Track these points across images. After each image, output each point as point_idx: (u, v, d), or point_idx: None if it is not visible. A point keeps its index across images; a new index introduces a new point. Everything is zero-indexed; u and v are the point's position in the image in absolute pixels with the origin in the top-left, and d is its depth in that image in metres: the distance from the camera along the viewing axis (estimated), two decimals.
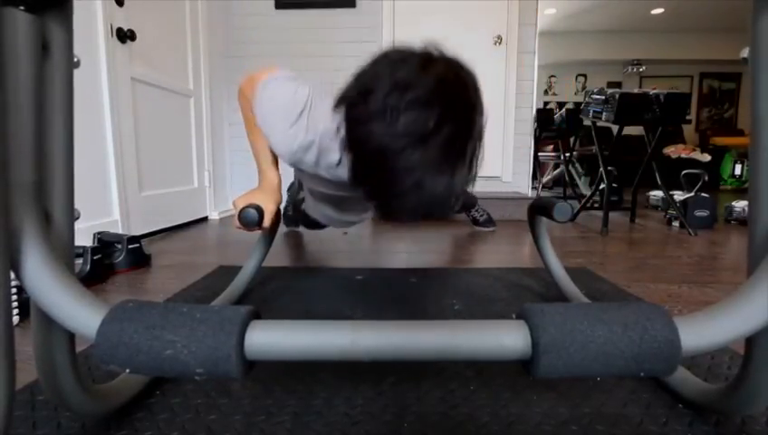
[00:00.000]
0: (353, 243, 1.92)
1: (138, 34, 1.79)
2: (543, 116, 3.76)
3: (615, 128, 2.36)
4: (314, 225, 1.69)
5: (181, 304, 0.42)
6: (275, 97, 0.90)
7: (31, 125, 0.42)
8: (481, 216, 2.19)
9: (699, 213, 2.25)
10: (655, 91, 2.12)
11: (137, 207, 1.83)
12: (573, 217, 2.54)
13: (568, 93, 6.76)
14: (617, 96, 2.13)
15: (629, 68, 6.73)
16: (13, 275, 0.41)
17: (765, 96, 0.44)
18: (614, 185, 2.55)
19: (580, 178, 3.98)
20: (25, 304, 0.85)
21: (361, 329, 0.42)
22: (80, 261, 1.18)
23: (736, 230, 2.26)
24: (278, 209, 1.01)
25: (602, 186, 2.31)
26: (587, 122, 2.57)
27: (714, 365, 0.73)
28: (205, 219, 2.50)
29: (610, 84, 6.56)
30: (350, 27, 2.74)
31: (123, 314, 0.41)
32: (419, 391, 0.64)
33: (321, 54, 2.74)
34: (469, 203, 2.12)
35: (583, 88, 6.74)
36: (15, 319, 0.87)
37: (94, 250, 1.22)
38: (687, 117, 2.23)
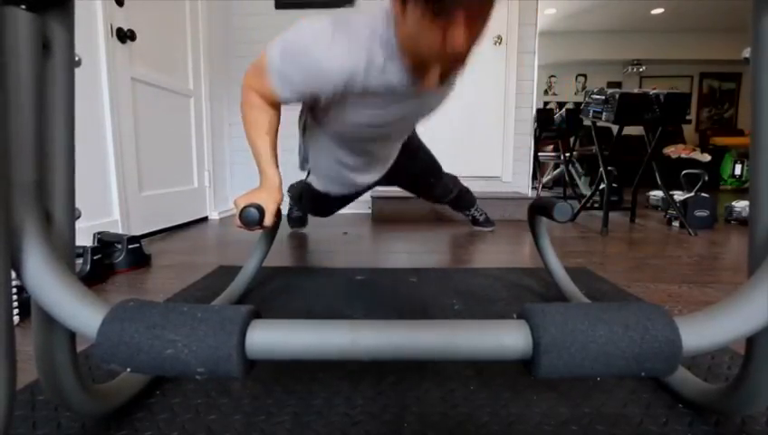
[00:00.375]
0: (353, 243, 1.92)
1: (138, 34, 1.79)
2: (543, 116, 3.76)
3: (615, 128, 2.36)
4: (322, 207, 1.72)
5: (182, 304, 0.43)
6: (298, 37, 0.91)
7: (32, 125, 0.42)
8: (480, 215, 2.19)
9: (699, 213, 2.25)
10: (655, 91, 2.12)
11: (137, 207, 1.83)
12: (573, 217, 2.54)
13: (568, 93, 6.76)
14: (617, 96, 2.13)
15: (629, 68, 6.73)
16: (13, 275, 0.41)
17: (766, 96, 0.44)
18: (614, 185, 2.55)
19: (580, 178, 3.99)
20: (26, 304, 0.85)
21: (361, 329, 0.42)
22: (80, 261, 1.18)
23: (736, 230, 2.26)
24: (279, 209, 1.01)
25: (602, 186, 2.31)
26: (587, 122, 2.57)
27: (714, 365, 0.73)
28: (205, 219, 2.50)
29: (610, 84, 6.57)
30: None
31: (124, 314, 0.41)
32: (419, 391, 0.64)
33: None
34: (468, 202, 2.12)
35: (583, 88, 6.75)
36: (16, 319, 0.87)
37: (94, 250, 1.22)
38: (687, 117, 2.23)
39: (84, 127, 1.52)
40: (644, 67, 6.65)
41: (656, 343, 0.38)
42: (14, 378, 0.40)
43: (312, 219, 2.18)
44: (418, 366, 0.71)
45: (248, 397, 0.62)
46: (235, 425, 0.56)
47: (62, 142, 0.46)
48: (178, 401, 0.61)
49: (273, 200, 0.98)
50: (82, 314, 0.41)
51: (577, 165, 4.02)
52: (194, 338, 0.39)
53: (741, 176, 5.43)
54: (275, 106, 1.03)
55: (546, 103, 6.07)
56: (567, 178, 3.96)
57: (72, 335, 0.48)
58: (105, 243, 1.35)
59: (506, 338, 0.41)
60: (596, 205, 2.62)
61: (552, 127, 3.80)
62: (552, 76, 6.91)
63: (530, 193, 2.95)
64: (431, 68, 0.87)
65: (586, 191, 3.48)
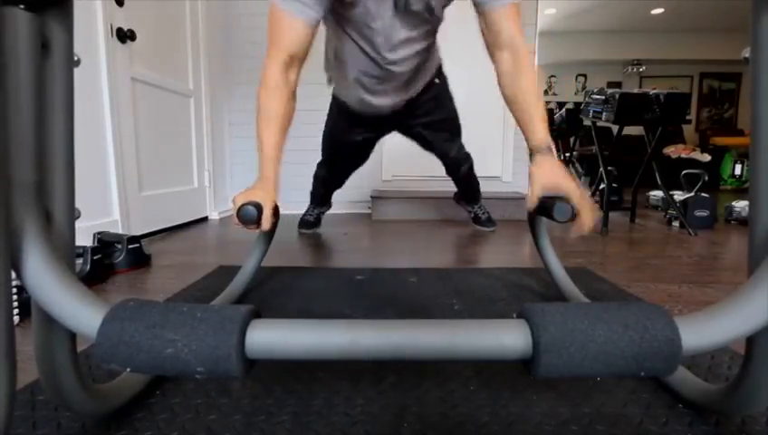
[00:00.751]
0: (353, 243, 1.92)
1: (138, 34, 1.78)
2: None
3: (615, 128, 2.36)
4: (344, 138, 1.82)
5: (182, 304, 0.43)
6: None
7: (31, 125, 0.42)
8: (483, 214, 2.20)
9: (699, 213, 2.25)
10: (655, 91, 2.12)
11: (137, 207, 1.83)
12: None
13: (568, 93, 6.77)
14: (617, 96, 2.13)
15: (629, 68, 6.74)
16: (13, 275, 0.41)
17: (765, 96, 0.44)
18: (614, 185, 2.55)
19: (580, 179, 3.99)
20: (26, 304, 0.85)
21: (361, 328, 0.42)
22: (80, 261, 1.18)
23: (736, 230, 2.26)
24: (276, 208, 1.01)
25: (602, 186, 2.31)
26: (587, 122, 2.57)
27: (714, 365, 0.73)
28: (205, 219, 2.50)
29: (610, 84, 6.57)
30: None
31: (124, 314, 0.41)
32: (419, 391, 0.64)
33: (321, 54, 2.74)
34: (475, 194, 2.13)
35: (583, 88, 6.75)
36: (16, 319, 0.87)
37: (94, 250, 1.22)
38: (687, 117, 2.23)
39: (84, 127, 1.53)
40: (644, 67, 6.66)
41: (655, 343, 0.38)
42: (14, 378, 0.40)
43: None
44: (418, 366, 0.71)
45: (248, 397, 0.62)
46: (235, 425, 0.56)
47: (61, 142, 0.46)
48: (178, 401, 0.61)
49: (270, 199, 0.98)
50: (82, 313, 0.41)
51: (577, 165, 4.02)
52: (194, 338, 0.39)
53: (741, 176, 5.43)
54: (295, 69, 1.05)
55: (546, 103, 6.06)
56: None
57: (72, 335, 0.48)
58: (105, 243, 1.35)
59: (506, 338, 0.41)
60: (596, 205, 2.62)
61: (551, 127, 3.80)
62: (552, 76, 6.91)
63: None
64: None
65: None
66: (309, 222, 2.13)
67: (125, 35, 1.73)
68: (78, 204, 0.50)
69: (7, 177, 0.40)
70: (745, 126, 6.45)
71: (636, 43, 6.38)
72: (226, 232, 2.18)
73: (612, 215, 2.45)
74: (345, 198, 2.69)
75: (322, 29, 1.27)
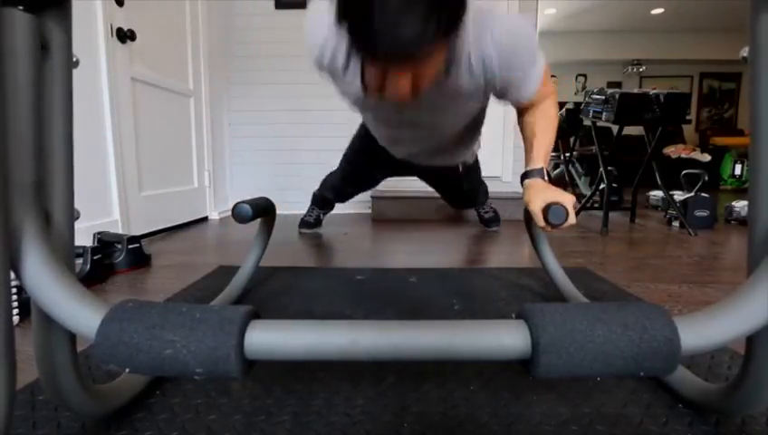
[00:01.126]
0: (353, 243, 1.92)
1: (138, 34, 1.78)
2: None
3: (615, 128, 2.36)
4: (368, 160, 1.77)
5: (181, 304, 0.43)
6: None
7: (30, 125, 0.42)
8: (486, 213, 2.22)
9: (699, 213, 2.25)
10: (655, 91, 2.12)
11: (137, 207, 1.83)
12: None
13: (568, 93, 6.76)
14: (617, 96, 2.13)
15: (629, 68, 6.73)
16: (13, 275, 0.41)
17: (765, 96, 0.44)
18: (614, 185, 2.55)
19: (580, 178, 3.98)
20: (26, 304, 0.85)
21: (361, 329, 0.42)
22: (80, 261, 1.18)
23: (736, 230, 2.26)
24: (273, 205, 1.02)
25: (602, 186, 2.31)
26: (587, 122, 2.57)
27: (714, 365, 0.73)
28: (205, 219, 2.50)
29: (610, 84, 6.56)
30: None
31: (123, 314, 0.41)
32: (419, 391, 0.64)
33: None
34: (482, 198, 2.15)
35: (583, 88, 6.74)
36: (16, 319, 0.87)
37: (94, 250, 1.22)
38: (687, 117, 2.23)
39: (84, 127, 1.53)
40: (644, 67, 6.65)
41: (654, 343, 0.38)
42: (14, 378, 0.40)
43: None
44: (418, 366, 0.71)
45: (248, 397, 0.62)
46: (235, 425, 0.56)
47: (60, 143, 0.46)
48: (178, 401, 0.61)
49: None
50: (81, 314, 0.41)
51: (577, 165, 4.01)
52: (193, 338, 0.39)
53: (741, 176, 5.43)
54: None
55: None
56: (567, 178, 3.96)
57: (72, 335, 0.48)
58: (105, 243, 1.35)
59: (505, 338, 0.41)
60: (596, 205, 2.61)
61: None
62: (552, 76, 6.86)
63: None
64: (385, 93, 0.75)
65: (586, 191, 3.47)
66: (309, 222, 2.13)
67: (125, 35, 1.73)
68: (78, 204, 0.50)
69: (6, 177, 0.40)
70: (745, 126, 6.44)
71: (636, 43, 6.38)
72: (226, 232, 2.18)
73: (612, 215, 2.45)
74: None
75: None
